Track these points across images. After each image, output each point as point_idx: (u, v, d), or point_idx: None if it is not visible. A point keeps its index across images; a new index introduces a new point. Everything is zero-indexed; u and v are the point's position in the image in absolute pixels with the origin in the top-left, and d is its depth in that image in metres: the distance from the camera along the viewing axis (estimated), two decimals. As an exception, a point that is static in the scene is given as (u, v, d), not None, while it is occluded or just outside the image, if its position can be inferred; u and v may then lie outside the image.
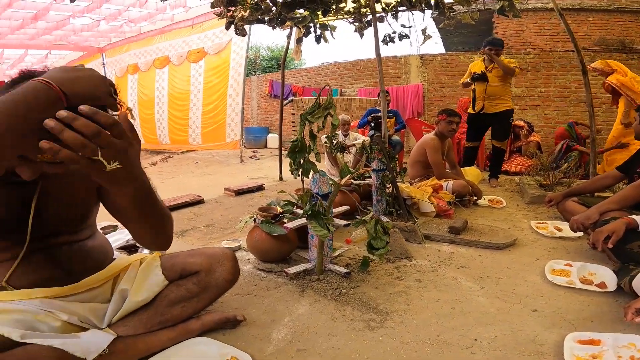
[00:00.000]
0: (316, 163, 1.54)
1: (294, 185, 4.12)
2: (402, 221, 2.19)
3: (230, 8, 3.35)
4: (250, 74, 11.17)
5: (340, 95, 8.35)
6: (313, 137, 1.43)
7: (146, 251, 1.88)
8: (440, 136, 3.12)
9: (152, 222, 0.87)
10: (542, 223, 2.43)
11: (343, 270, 1.68)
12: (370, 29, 3.52)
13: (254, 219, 1.80)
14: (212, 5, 3.22)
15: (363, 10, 3.61)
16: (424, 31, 3.44)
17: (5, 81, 0.89)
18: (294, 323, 1.33)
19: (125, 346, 1.04)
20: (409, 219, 2.22)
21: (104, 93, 0.68)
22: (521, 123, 4.91)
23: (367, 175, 2.56)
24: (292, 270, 1.66)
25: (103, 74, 0.69)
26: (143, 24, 7.57)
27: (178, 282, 1.16)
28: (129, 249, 2.04)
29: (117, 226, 2.27)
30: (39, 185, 0.95)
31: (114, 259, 1.18)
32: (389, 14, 3.57)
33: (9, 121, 0.58)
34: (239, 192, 3.63)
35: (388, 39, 3.65)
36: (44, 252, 0.99)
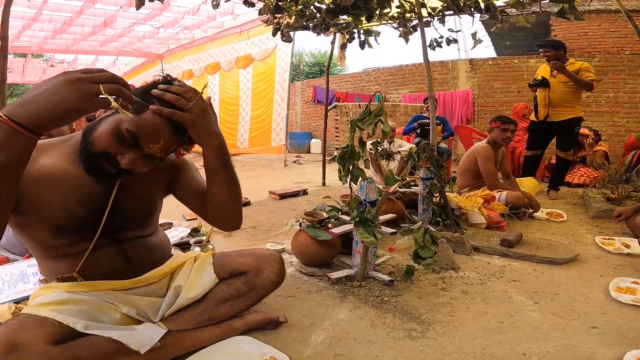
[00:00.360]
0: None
1: (337, 191, 4.13)
2: (450, 231, 2.13)
3: (276, 15, 3.46)
4: (294, 80, 11.40)
5: (384, 101, 8.28)
6: (362, 144, 1.43)
7: (197, 249, 1.99)
8: (494, 144, 2.98)
9: (233, 188, 1.03)
10: (609, 239, 2.25)
11: (386, 278, 1.66)
12: (416, 34, 3.48)
13: (300, 223, 1.83)
14: (260, 12, 3.33)
15: (408, 15, 3.57)
16: (474, 35, 3.32)
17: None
18: (333, 328, 1.33)
19: (175, 341, 1.08)
20: (457, 230, 2.15)
21: (72, 107, 0.67)
22: (586, 131, 4.53)
23: (412, 183, 2.52)
24: (335, 275, 1.67)
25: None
26: (196, 31, 8.00)
27: (228, 281, 1.19)
28: (182, 246, 2.17)
29: (172, 224, 2.41)
30: (118, 180, 1.01)
31: (172, 255, 1.24)
32: (435, 18, 3.50)
33: None
34: (283, 196, 3.71)
35: (435, 44, 3.58)
36: (114, 245, 1.05)
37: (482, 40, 3.38)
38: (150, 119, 0.87)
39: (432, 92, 2.58)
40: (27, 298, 1.41)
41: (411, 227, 1.52)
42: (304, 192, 3.91)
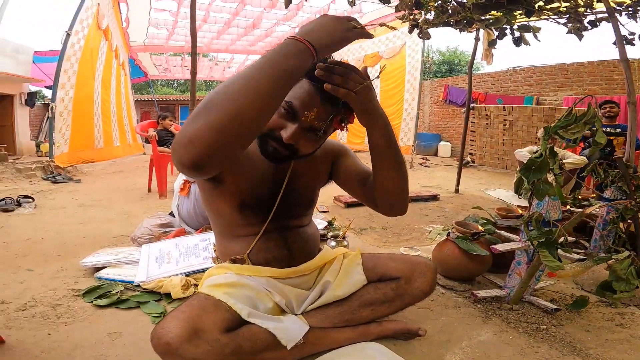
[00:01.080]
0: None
1: (473, 200, 3.83)
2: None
3: (414, 11, 3.31)
4: (422, 79, 10.98)
5: (537, 104, 7.26)
6: (554, 154, 1.22)
7: (333, 243, 2.06)
8: None
9: (401, 168, 0.99)
10: None
11: (550, 305, 1.43)
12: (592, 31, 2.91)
13: (448, 233, 1.73)
14: (397, 9, 3.22)
15: (581, 9, 2.99)
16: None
17: None
18: (473, 349, 1.20)
19: (315, 338, 1.06)
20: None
21: (340, 36, 0.78)
22: None
23: (584, 202, 2.11)
24: (482, 293, 1.51)
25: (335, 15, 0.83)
26: None
27: (377, 285, 1.16)
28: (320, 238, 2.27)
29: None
30: (291, 164, 1.07)
31: (320, 248, 1.25)
32: (623, 13, 2.85)
33: (271, 72, 0.71)
34: (413, 200, 3.59)
35: (625, 41, 2.92)
36: (278, 232, 1.10)
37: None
38: (300, 88, 0.89)
39: (634, 95, 2.10)
40: (196, 272, 1.61)
41: (614, 257, 1.25)
42: (435, 198, 3.71)
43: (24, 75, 7.60)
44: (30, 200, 3.23)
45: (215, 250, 1.20)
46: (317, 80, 0.84)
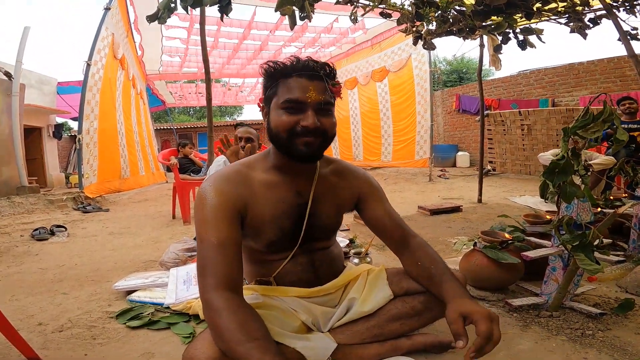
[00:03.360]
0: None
1: (498, 209, 3.74)
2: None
3: (415, 23, 3.35)
4: (432, 90, 11.01)
5: (553, 105, 7.14)
6: (576, 155, 1.19)
7: (356, 260, 2.04)
8: None
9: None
10: None
11: (594, 310, 1.37)
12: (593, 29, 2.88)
13: (475, 243, 1.69)
14: (399, 22, 3.27)
15: (578, 8, 2.97)
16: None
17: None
18: (512, 359, 1.16)
19: (344, 355, 1.06)
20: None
21: None
22: None
23: (616, 202, 2.04)
24: (517, 302, 1.46)
25: None
26: (332, 48, 8.57)
27: (404, 299, 1.14)
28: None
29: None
30: (311, 193, 1.08)
31: (344, 266, 1.25)
32: (621, 9, 2.82)
33: None
34: (435, 212, 3.53)
35: (629, 37, 2.88)
36: (306, 256, 1.11)
37: None
38: (286, 85, 0.98)
39: None
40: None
41: None
42: (458, 209, 3.65)
43: (49, 107, 7.85)
44: (63, 229, 3.35)
45: None
46: (300, 72, 0.96)
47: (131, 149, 6.82)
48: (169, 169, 4.51)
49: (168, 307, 1.56)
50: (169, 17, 2.39)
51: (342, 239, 2.48)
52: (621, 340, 1.23)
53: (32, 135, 8.03)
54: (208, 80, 3.04)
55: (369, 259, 2.05)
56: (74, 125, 6.00)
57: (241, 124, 2.48)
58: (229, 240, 0.91)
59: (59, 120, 9.19)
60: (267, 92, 1.03)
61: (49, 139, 8.34)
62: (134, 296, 1.68)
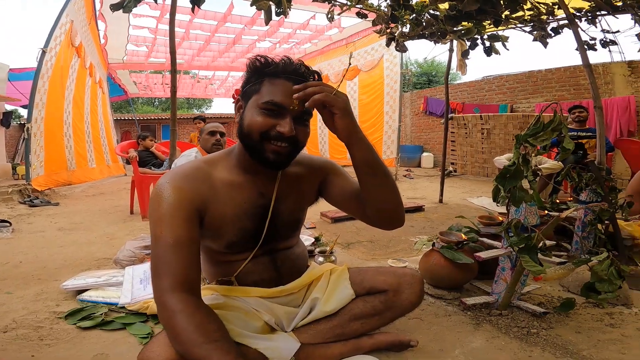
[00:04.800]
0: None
1: (457, 209, 3.89)
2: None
3: (390, 25, 3.42)
4: (402, 91, 11.24)
5: (511, 111, 7.51)
6: (526, 161, 1.26)
7: (321, 259, 2.05)
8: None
9: (387, 180, 0.99)
10: None
11: (538, 309, 1.46)
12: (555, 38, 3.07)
13: (433, 243, 1.75)
14: (374, 23, 3.33)
15: (543, 17, 3.16)
16: (640, 36, 2.77)
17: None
18: (466, 356, 1.21)
19: (306, 356, 1.06)
20: (629, 263, 1.78)
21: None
22: None
23: (562, 206, 2.19)
24: (471, 300, 1.54)
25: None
26: (307, 45, 8.52)
27: (365, 298, 1.15)
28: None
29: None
30: (275, 191, 1.06)
31: (308, 265, 1.25)
32: (582, 19, 3.02)
33: None
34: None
35: (587, 47, 3.09)
36: (267, 256, 1.09)
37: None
38: (274, 85, 0.93)
39: (599, 100, 2.21)
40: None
41: (595, 258, 1.29)
42: (420, 209, 3.76)
43: (-1, 94, 7.36)
44: (7, 224, 3.12)
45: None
46: (290, 75, 0.93)
47: (78, 139, 6.41)
48: (128, 162, 4.31)
49: (123, 307, 1.50)
50: (135, 6, 2.26)
51: (307, 237, 2.48)
52: (563, 338, 1.31)
53: (-24, 123, 7.44)
54: (174, 71, 2.93)
55: (333, 258, 2.07)
56: (25, 113, 5.60)
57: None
58: (186, 239, 0.87)
59: (8, 107, 8.58)
60: (247, 86, 0.98)
61: (-5, 127, 7.76)
62: (85, 296, 1.60)
